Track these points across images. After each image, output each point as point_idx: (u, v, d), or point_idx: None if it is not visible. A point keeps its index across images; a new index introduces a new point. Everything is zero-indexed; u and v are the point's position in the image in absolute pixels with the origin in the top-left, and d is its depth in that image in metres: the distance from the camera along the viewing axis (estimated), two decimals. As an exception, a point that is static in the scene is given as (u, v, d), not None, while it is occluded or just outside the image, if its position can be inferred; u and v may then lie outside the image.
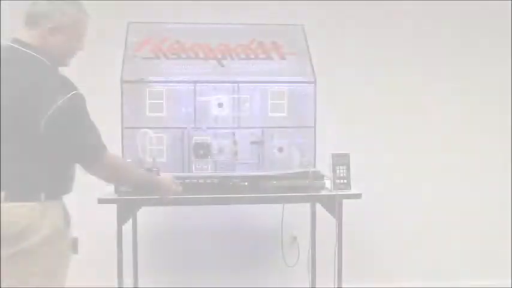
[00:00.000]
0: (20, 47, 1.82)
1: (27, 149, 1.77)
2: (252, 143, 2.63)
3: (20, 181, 1.79)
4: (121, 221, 2.34)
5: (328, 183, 2.52)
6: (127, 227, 2.48)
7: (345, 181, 2.49)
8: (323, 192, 2.49)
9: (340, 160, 2.50)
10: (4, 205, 1.76)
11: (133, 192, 2.33)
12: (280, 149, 2.62)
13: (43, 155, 1.79)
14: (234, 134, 2.62)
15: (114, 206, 2.34)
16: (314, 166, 2.56)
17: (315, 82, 2.54)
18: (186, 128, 2.54)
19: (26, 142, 1.76)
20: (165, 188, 2.23)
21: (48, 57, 1.84)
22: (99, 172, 1.91)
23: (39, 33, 1.83)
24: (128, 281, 2.61)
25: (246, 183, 2.41)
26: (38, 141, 1.75)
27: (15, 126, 1.75)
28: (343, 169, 2.50)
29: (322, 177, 2.49)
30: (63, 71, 1.94)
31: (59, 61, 1.91)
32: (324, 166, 2.54)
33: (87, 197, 2.07)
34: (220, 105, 2.58)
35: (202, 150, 2.48)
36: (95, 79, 2.99)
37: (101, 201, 2.31)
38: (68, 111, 1.75)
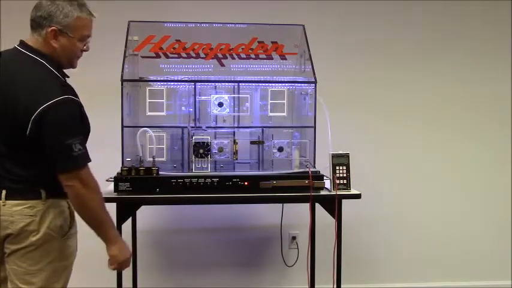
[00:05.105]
0: (23, 50, 1.84)
1: (23, 148, 1.77)
2: (252, 143, 2.63)
3: (20, 179, 1.78)
4: (120, 220, 2.34)
5: (328, 183, 2.52)
6: (126, 226, 2.49)
7: (345, 181, 2.49)
8: (323, 192, 2.49)
9: (340, 160, 2.51)
10: (5, 203, 1.76)
11: (133, 191, 2.33)
12: (280, 149, 2.63)
13: (36, 155, 1.77)
14: (234, 133, 2.63)
15: (113, 205, 2.34)
16: (314, 166, 2.56)
17: (315, 82, 2.54)
18: (186, 127, 2.54)
19: (21, 141, 1.75)
20: (117, 250, 1.91)
21: (49, 60, 1.83)
22: (68, 182, 1.77)
23: (43, 36, 1.83)
24: (127, 280, 2.60)
25: (246, 183, 2.41)
26: (31, 141, 1.74)
27: (12, 127, 1.76)
28: (343, 169, 2.50)
29: (322, 177, 2.49)
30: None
31: (64, 63, 1.90)
32: (323, 166, 2.54)
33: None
34: (220, 104, 2.58)
35: (202, 150, 2.48)
36: (95, 78, 2.99)
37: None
38: (53, 114, 1.71)
